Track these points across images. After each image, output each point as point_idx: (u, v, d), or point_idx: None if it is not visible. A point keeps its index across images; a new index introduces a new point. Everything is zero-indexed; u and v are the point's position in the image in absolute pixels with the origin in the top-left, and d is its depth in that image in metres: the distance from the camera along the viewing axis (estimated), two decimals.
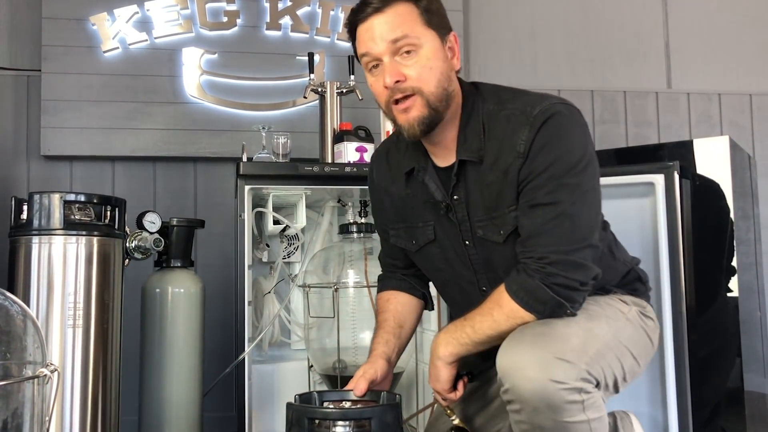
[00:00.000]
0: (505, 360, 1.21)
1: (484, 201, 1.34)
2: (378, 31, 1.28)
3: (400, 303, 1.57)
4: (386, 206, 1.54)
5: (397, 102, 1.31)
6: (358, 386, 1.42)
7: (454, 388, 1.37)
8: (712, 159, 1.97)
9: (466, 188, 1.36)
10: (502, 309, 1.26)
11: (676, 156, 1.97)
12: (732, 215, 1.95)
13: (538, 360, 1.17)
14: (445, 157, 1.39)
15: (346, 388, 1.47)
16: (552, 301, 1.22)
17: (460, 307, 1.46)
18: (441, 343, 1.34)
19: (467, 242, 1.39)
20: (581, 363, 1.17)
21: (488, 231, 1.34)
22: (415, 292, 1.59)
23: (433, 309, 1.66)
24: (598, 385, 1.21)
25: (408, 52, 1.28)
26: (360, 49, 1.33)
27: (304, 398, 1.46)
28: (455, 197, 1.37)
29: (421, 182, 1.41)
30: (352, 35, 1.35)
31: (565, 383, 1.15)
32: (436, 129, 1.33)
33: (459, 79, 1.38)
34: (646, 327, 1.38)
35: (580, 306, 1.26)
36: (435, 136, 1.36)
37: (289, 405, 1.41)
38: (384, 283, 1.63)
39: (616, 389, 1.28)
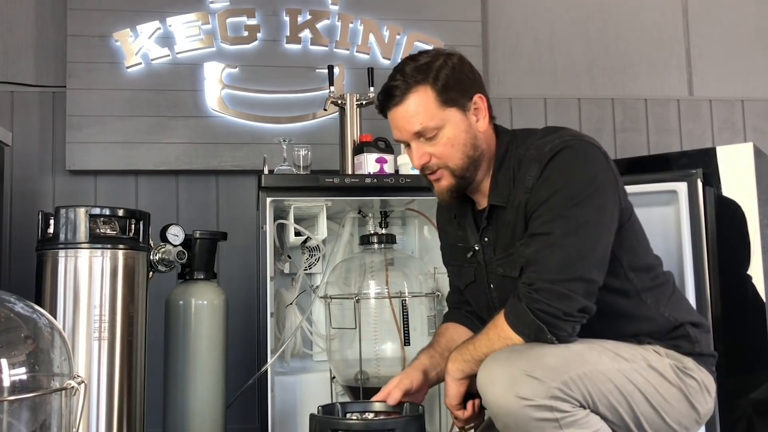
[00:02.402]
0: (480, 375, 1.28)
1: (505, 240, 1.40)
2: (400, 122, 1.40)
3: (457, 332, 1.58)
4: (445, 244, 1.62)
5: (427, 174, 1.44)
6: (392, 396, 1.46)
7: (463, 406, 1.41)
8: (736, 166, 1.94)
9: (495, 231, 1.42)
10: (496, 329, 1.32)
11: (699, 164, 1.95)
12: (757, 223, 1.92)
13: (507, 376, 1.22)
14: (482, 201, 1.46)
15: (378, 395, 1.48)
16: (533, 325, 1.26)
17: None
18: (450, 360, 1.40)
19: (491, 285, 1.45)
20: (552, 381, 1.19)
21: (507, 267, 1.39)
22: (475, 329, 1.57)
23: None
24: (583, 407, 1.22)
25: (430, 137, 1.38)
26: (393, 132, 1.45)
27: (327, 410, 1.46)
28: (485, 239, 1.44)
29: (465, 226, 1.50)
30: (383, 115, 1.46)
31: (531, 400, 1.18)
32: (478, 175, 1.42)
33: (495, 126, 1.45)
34: (683, 385, 1.32)
35: (567, 336, 1.26)
36: (477, 181, 1.44)
37: (312, 416, 1.41)
38: (447, 316, 1.67)
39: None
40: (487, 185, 1.43)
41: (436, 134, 1.38)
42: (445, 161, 1.39)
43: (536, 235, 1.30)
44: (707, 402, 1.35)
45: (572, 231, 1.26)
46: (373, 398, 1.50)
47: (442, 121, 1.37)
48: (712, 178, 1.94)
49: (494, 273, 1.43)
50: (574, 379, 1.21)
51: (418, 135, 1.39)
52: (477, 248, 1.46)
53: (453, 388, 1.40)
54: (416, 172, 2.13)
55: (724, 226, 1.91)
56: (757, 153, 1.97)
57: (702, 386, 1.34)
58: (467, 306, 1.62)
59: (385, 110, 1.43)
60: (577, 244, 1.26)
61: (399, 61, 2.87)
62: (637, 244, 1.39)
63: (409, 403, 1.45)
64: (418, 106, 1.37)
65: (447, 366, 1.40)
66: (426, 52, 1.44)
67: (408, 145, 1.44)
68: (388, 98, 1.41)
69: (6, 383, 1.10)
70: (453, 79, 1.38)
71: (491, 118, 1.44)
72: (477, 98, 1.40)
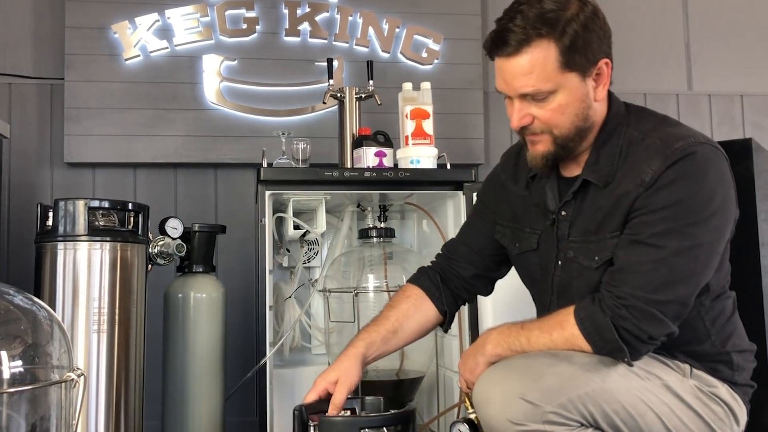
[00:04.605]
0: (477, 392, 1.23)
1: (587, 223, 1.29)
2: (509, 76, 1.23)
3: (415, 307, 1.49)
4: (500, 200, 1.49)
5: (525, 135, 1.30)
6: (337, 397, 1.37)
7: None
8: (735, 161, 1.94)
9: (578, 207, 1.31)
10: (563, 331, 1.22)
11: None
12: (756, 217, 1.92)
13: (502, 398, 1.17)
14: (571, 168, 1.34)
15: (309, 396, 1.39)
16: (614, 344, 1.18)
17: None
18: (491, 342, 1.30)
19: (559, 261, 1.34)
20: (547, 404, 1.13)
21: (581, 253, 1.28)
22: (439, 305, 1.51)
23: (447, 331, 1.58)
24: (584, 426, 1.17)
25: (539, 99, 1.23)
26: (496, 79, 1.28)
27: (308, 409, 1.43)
28: (563, 212, 1.33)
29: (541, 188, 1.37)
30: (490, 58, 1.28)
31: (523, 425, 1.14)
32: (580, 147, 1.30)
33: (609, 94, 1.32)
34: (704, 409, 1.23)
35: (640, 357, 1.20)
36: (577, 152, 1.32)
37: (325, 420, 1.36)
38: (419, 276, 1.55)
39: None
40: (583, 153, 1.30)
41: (546, 97, 1.21)
42: (549, 127, 1.24)
43: (642, 244, 1.18)
44: (731, 428, 1.26)
45: (686, 251, 1.16)
46: (305, 399, 1.39)
47: (557, 86, 1.21)
48: None
49: (563, 252, 1.32)
50: (573, 400, 1.14)
51: (527, 95, 1.23)
52: (554, 217, 1.33)
53: (483, 369, 1.29)
54: (415, 166, 2.15)
55: None
56: (756, 148, 1.97)
57: (729, 414, 1.26)
58: (456, 269, 1.51)
59: (493, 55, 1.24)
60: (687, 266, 1.16)
61: (398, 55, 2.89)
62: (721, 266, 1.28)
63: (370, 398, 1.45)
64: (535, 65, 1.19)
65: (485, 347, 1.30)
66: None
67: (509, 98, 1.27)
68: (501, 44, 1.21)
69: (6, 375, 1.10)
70: (583, 39, 1.20)
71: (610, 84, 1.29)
72: (603, 64, 1.24)
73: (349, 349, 1.44)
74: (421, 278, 1.54)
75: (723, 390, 1.26)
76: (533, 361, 1.22)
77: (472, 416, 1.34)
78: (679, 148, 1.19)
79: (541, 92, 1.21)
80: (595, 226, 1.27)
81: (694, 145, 1.19)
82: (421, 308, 1.50)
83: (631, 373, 1.20)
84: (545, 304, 1.41)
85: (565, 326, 1.22)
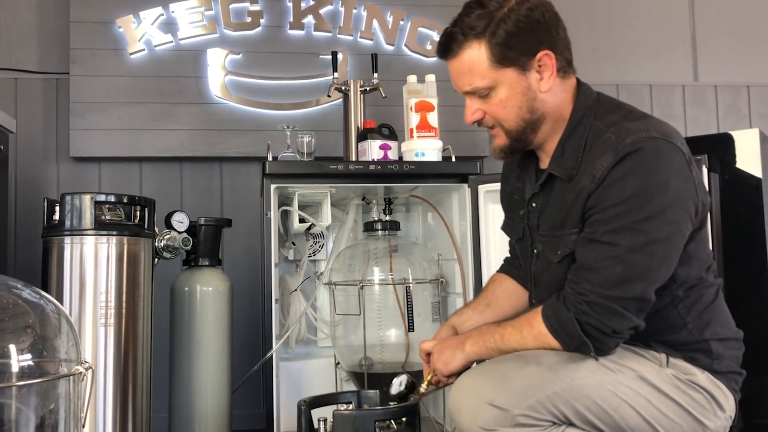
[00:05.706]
0: (451, 399, 1.27)
1: (554, 217, 1.31)
2: (454, 76, 1.34)
3: (501, 287, 1.56)
4: (504, 194, 1.55)
5: (486, 127, 1.37)
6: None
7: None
8: (742, 152, 1.94)
9: (546, 200, 1.35)
10: (531, 329, 1.26)
11: (704, 149, 1.94)
12: (763, 210, 1.92)
13: (472, 405, 1.21)
14: (545, 161, 1.38)
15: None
16: (579, 339, 1.20)
17: None
18: (470, 341, 1.35)
19: (535, 251, 1.38)
20: (515, 408, 1.17)
21: (546, 247, 1.33)
22: (522, 282, 1.54)
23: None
24: (557, 424, 1.19)
25: (483, 96, 1.30)
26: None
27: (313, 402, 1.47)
28: (533, 204, 1.37)
29: (524, 179, 1.43)
30: (442, 59, 1.37)
31: (495, 430, 1.18)
32: (537, 138, 1.34)
33: (579, 84, 1.35)
34: (683, 397, 1.23)
35: (609, 351, 1.22)
36: (537, 143, 1.35)
37: (339, 414, 1.38)
38: (501, 265, 1.63)
39: None
40: (551, 146, 1.33)
41: (488, 93, 1.29)
42: (498, 121, 1.31)
43: (597, 242, 1.20)
44: (718, 418, 1.25)
45: (640, 247, 1.17)
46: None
47: (494, 82, 1.27)
48: (717, 164, 1.94)
49: (536, 243, 1.37)
50: (541, 401, 1.17)
51: (470, 93, 1.31)
52: (526, 209, 1.39)
53: (459, 365, 1.35)
54: (420, 158, 2.15)
55: (731, 213, 1.91)
56: (763, 139, 1.96)
57: (710, 401, 1.25)
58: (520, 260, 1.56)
59: (442, 59, 1.35)
60: (643, 262, 1.17)
61: (402, 47, 2.88)
62: (695, 255, 1.27)
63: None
64: (471, 65, 1.28)
65: (464, 345, 1.34)
66: None
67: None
68: (443, 49, 1.32)
69: (15, 369, 1.10)
70: (515, 35, 1.24)
71: (567, 72, 1.32)
72: (543, 55, 1.26)
73: (445, 322, 1.55)
74: (504, 265, 1.63)
75: (703, 377, 1.26)
76: (502, 365, 1.25)
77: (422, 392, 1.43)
78: (628, 143, 1.19)
79: (480, 89, 1.29)
80: (560, 221, 1.30)
81: (643, 140, 1.19)
82: (507, 289, 1.56)
83: (602, 368, 1.22)
84: (529, 294, 1.46)
85: (534, 324, 1.26)
